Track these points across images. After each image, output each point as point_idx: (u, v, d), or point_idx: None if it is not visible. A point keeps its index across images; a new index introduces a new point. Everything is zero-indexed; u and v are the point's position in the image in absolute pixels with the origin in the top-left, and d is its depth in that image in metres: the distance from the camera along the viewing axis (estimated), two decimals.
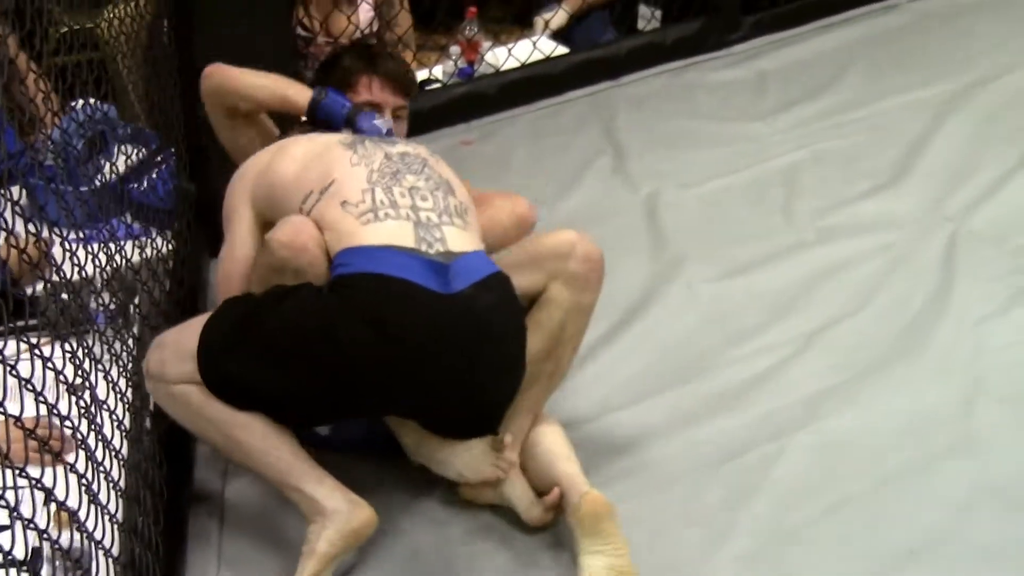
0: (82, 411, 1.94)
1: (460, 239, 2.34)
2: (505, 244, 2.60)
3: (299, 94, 2.67)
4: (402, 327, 2.22)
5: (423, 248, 2.28)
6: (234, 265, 2.50)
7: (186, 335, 2.33)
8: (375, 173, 2.40)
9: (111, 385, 2.22)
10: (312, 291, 2.27)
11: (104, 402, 2.15)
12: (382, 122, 2.62)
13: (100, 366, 2.19)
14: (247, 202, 2.53)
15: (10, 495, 1.59)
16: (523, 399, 2.41)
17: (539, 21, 4.28)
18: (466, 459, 2.35)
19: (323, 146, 2.50)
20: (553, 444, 2.43)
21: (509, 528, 2.40)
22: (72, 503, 1.79)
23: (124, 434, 2.24)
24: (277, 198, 2.46)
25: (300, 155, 2.49)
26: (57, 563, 1.77)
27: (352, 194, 2.35)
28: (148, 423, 2.45)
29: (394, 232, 2.29)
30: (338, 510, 2.22)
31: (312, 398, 2.28)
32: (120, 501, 2.09)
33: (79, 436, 1.88)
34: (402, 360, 2.22)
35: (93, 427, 2.00)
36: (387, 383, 2.24)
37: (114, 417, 2.19)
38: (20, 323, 1.74)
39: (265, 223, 2.48)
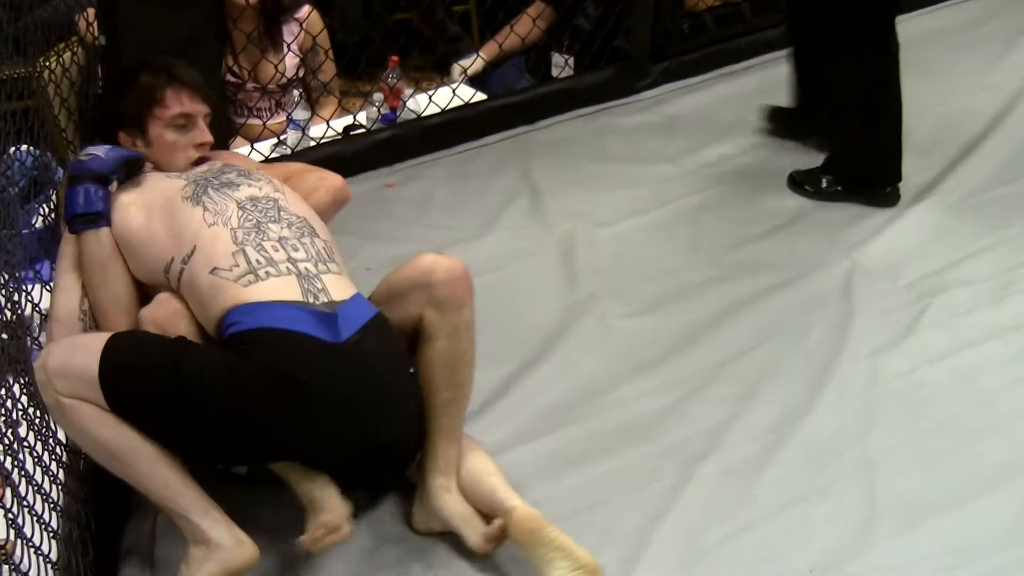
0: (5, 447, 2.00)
1: (339, 286, 2.37)
2: (325, 220, 2.60)
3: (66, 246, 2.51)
4: (305, 381, 2.22)
5: (310, 300, 2.30)
6: (60, 330, 2.44)
7: (79, 357, 2.23)
8: (238, 232, 2.38)
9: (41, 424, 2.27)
10: (212, 350, 2.28)
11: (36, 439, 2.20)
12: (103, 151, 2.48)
13: (34, 401, 2.26)
14: (72, 270, 2.48)
15: None
16: (439, 429, 2.43)
17: (457, 68, 4.36)
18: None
19: (164, 198, 2.47)
20: (476, 461, 2.47)
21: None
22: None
23: (54, 473, 2.27)
24: (134, 252, 2.45)
25: (141, 203, 2.47)
26: None
27: (222, 259, 2.34)
28: (81, 464, 2.46)
29: (279, 288, 2.30)
30: (222, 544, 2.20)
31: (218, 446, 2.28)
32: (53, 542, 2.12)
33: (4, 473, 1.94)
34: (306, 413, 2.22)
35: (16, 463, 2.04)
36: (292, 435, 2.25)
37: (44, 454, 2.24)
38: None
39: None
